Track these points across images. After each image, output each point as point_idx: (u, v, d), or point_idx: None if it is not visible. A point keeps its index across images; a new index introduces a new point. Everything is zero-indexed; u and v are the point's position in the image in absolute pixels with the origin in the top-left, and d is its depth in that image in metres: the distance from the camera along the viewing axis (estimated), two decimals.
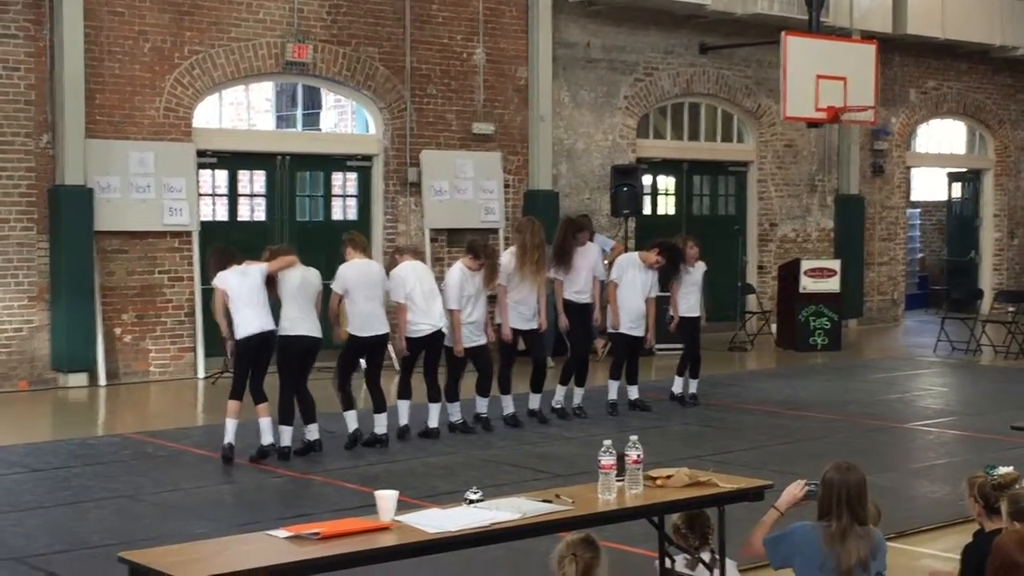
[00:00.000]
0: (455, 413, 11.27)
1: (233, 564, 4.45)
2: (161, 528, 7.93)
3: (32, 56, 13.82)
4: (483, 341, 11.25)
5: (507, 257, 11.61)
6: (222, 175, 15.73)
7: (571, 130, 17.93)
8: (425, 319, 10.77)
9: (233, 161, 15.72)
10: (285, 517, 7.78)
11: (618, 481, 5.46)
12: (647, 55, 18.61)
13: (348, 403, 10.55)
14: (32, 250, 13.92)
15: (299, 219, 16.17)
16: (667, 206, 19.75)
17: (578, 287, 12.00)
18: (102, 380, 13.94)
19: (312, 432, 10.19)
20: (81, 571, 7.04)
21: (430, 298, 10.81)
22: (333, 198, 16.66)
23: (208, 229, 14.97)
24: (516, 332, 11.56)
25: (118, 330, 14.32)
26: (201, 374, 14.56)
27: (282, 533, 4.81)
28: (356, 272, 10.47)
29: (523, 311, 11.52)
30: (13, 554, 7.36)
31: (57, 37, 13.77)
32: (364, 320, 10.43)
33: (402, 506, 5.13)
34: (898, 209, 22.21)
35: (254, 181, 16.12)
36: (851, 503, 5.06)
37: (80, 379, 13.92)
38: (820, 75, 17.25)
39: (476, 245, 11.33)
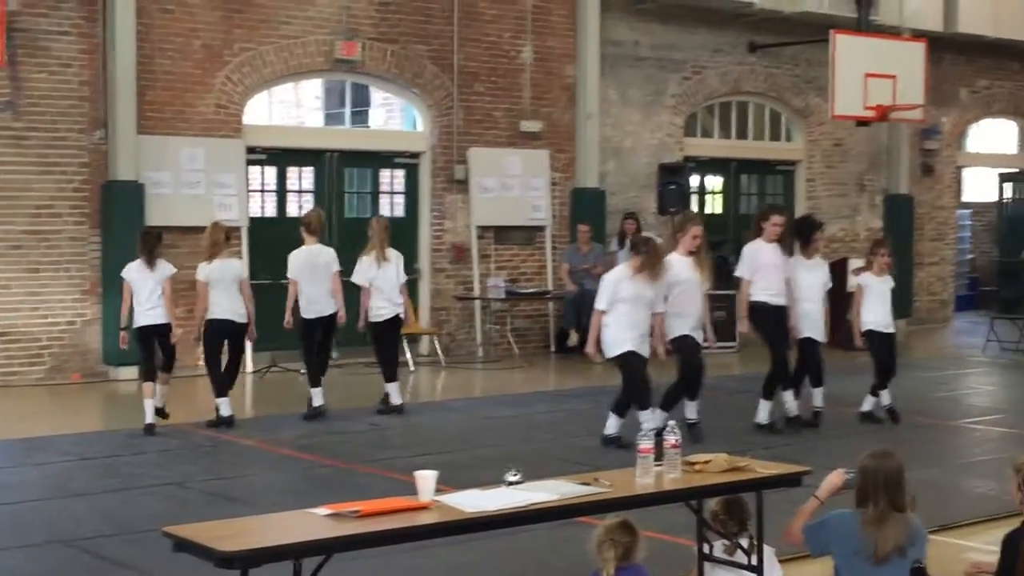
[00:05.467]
0: (612, 427, 10.34)
1: (273, 539, 4.51)
2: (207, 514, 7.96)
3: (85, 53, 14.01)
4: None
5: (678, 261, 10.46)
6: (271, 171, 15.87)
7: (618, 128, 17.93)
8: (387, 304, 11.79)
9: (282, 157, 15.85)
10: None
11: (656, 465, 5.49)
12: (695, 53, 18.59)
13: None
14: (84, 244, 14.11)
15: (347, 216, 16.26)
16: (715, 205, 19.71)
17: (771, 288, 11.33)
18: None
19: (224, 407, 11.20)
20: (128, 554, 7.14)
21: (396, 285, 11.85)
22: (381, 195, 16.77)
23: (257, 225, 15.11)
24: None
25: None
26: (250, 368, 14.68)
27: (322, 511, 4.86)
28: (303, 259, 11.64)
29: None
30: (61, 537, 7.49)
31: (110, 34, 13.96)
32: (308, 302, 11.59)
33: (442, 493, 5.17)
34: (948, 209, 22.03)
35: (303, 177, 16.25)
36: (889, 488, 5.03)
37: (131, 372, 14.04)
38: (869, 73, 17.14)
39: (637, 240, 10.58)
